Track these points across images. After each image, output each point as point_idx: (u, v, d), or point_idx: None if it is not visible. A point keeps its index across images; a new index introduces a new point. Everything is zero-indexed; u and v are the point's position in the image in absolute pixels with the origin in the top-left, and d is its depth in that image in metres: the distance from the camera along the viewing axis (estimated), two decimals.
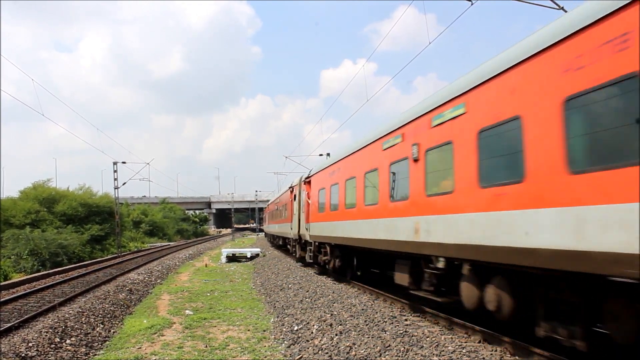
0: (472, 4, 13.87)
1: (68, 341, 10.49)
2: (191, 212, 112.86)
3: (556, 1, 13.39)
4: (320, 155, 46.09)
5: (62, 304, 14.85)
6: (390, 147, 11.47)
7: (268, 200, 60.08)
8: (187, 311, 14.10)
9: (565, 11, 13.10)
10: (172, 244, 61.74)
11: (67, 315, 12.56)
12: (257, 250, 35.31)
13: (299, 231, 23.53)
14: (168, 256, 37.01)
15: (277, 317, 12.75)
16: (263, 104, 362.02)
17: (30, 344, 9.75)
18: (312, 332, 10.27)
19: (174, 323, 12.64)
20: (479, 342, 8.62)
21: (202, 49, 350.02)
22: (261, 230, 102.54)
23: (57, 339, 10.41)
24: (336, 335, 9.63)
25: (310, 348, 9.25)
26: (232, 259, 32.75)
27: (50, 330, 10.89)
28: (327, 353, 8.72)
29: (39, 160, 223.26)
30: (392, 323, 10.02)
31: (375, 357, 8.08)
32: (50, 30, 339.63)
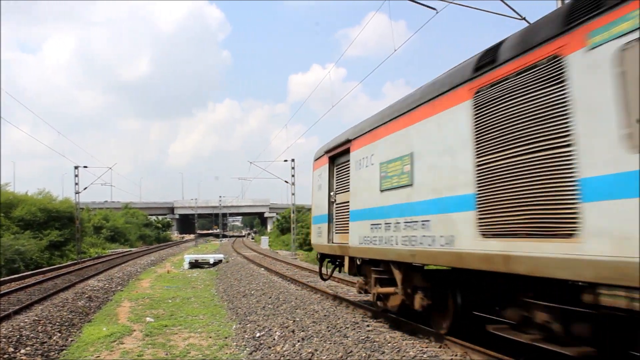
0: (437, 12, 14.14)
1: (23, 351, 10.20)
2: (154, 217, 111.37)
3: (519, 12, 13.72)
4: (285, 161, 46.07)
5: (17, 312, 14.42)
6: None
7: (233, 206, 59.53)
8: (147, 318, 13.89)
9: (527, 21, 13.45)
10: (134, 249, 60.77)
11: (22, 324, 12.22)
12: (220, 256, 35.03)
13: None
14: (129, 262, 36.38)
15: (239, 323, 12.66)
16: (231, 109, 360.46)
17: None
18: (274, 339, 10.23)
19: (134, 330, 12.44)
20: (440, 347, 8.72)
21: (171, 52, 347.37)
22: (225, 236, 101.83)
23: (11, 349, 10.11)
24: (298, 341, 9.60)
25: (272, 355, 9.21)
26: (194, 265, 32.43)
27: (4, 339, 10.57)
28: None
29: None
30: (355, 329, 10.05)
31: None
32: (14, 31, 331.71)
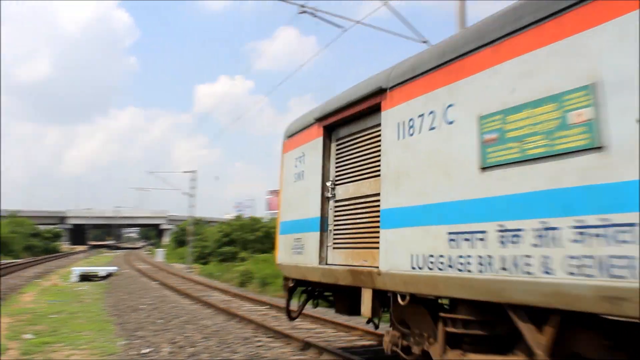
0: (345, 31, 14.62)
1: None
2: (43, 226, 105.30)
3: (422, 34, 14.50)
4: (186, 172, 45.35)
5: None
6: None
7: (129, 217, 57.57)
8: (26, 335, 13.09)
9: (429, 44, 14.28)
10: (19, 261, 57.14)
11: None
12: (112, 268, 33.80)
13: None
14: (12, 274, 34.16)
15: (127, 339, 12.24)
16: (133, 117, 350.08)
17: None
18: (162, 355, 10.00)
19: (10, 349, 11.67)
20: None
21: (73, 55, 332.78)
22: (118, 248, 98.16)
23: None
24: (187, 358, 9.45)
25: None
26: (84, 277, 30.97)
27: None
28: None
29: None
30: (245, 344, 10.04)
31: None
32: None
